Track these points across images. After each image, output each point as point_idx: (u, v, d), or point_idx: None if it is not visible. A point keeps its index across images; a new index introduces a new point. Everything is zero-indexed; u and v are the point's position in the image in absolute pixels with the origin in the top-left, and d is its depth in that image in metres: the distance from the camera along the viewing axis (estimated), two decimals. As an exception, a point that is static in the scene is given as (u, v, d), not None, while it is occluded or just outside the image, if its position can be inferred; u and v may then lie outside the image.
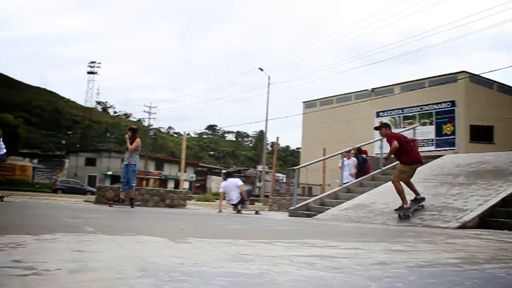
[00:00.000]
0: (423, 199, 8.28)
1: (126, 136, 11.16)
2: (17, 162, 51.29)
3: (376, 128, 9.30)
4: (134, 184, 11.07)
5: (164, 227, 5.22)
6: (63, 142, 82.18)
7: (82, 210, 8.31)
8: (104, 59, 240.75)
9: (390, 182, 10.40)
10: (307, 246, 3.73)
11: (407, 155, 8.20)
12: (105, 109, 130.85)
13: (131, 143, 10.98)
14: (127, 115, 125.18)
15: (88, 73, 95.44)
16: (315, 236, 4.93)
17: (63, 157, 65.82)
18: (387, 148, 9.30)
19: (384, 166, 8.84)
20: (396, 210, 8.13)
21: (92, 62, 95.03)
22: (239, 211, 11.75)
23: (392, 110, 22.85)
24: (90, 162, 61.66)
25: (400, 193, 8.07)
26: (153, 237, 3.55)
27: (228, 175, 13.11)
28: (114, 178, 57.73)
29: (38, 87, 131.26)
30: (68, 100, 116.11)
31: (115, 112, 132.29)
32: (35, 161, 60.78)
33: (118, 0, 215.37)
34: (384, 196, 9.72)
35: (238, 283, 1.97)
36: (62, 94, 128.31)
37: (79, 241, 3.04)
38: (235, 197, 11.91)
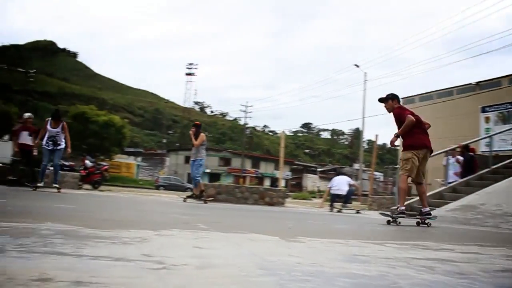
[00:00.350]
0: (429, 214, 6.83)
1: (191, 132, 11.32)
2: (123, 160, 54.51)
3: (381, 100, 7.24)
4: (199, 178, 11.18)
5: (271, 225, 5.28)
6: (164, 141, 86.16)
7: (186, 207, 8.64)
8: (201, 61, 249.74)
9: (501, 183, 9.79)
10: (421, 248, 3.60)
11: (412, 137, 6.71)
12: (202, 108, 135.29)
13: (196, 139, 11.07)
14: (223, 114, 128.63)
15: (186, 74, 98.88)
16: (425, 238, 4.75)
17: (164, 155, 68.81)
18: (493, 145, 8.48)
19: (392, 146, 6.99)
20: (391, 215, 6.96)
21: (189, 64, 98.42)
22: (339, 210, 11.70)
23: (500, 104, 21.46)
24: (189, 160, 63.76)
25: (401, 191, 6.90)
26: (264, 236, 3.60)
27: (340, 172, 13.57)
28: (212, 176, 59.49)
29: (140, 89, 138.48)
30: (168, 101, 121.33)
31: (212, 112, 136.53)
32: (139, 159, 64.15)
33: (214, 3, 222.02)
34: (494, 197, 9.15)
35: (360, 285, 1.95)
36: (162, 96, 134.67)
37: (195, 238, 3.16)
38: (344, 191, 12.06)
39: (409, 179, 6.86)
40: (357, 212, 11.73)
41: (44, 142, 10.14)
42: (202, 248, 2.67)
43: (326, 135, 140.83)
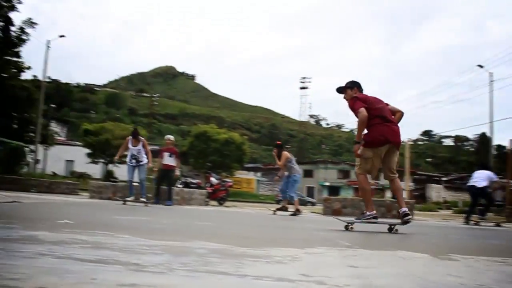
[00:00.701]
0: (408, 214, 5.62)
1: (273, 153, 11.52)
2: (243, 176, 56.10)
3: (338, 91, 6.16)
4: (292, 195, 11.27)
5: (413, 241, 5.07)
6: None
7: (316, 222, 8.62)
8: (315, 73, 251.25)
9: None
10: None
11: (371, 131, 5.64)
12: (318, 121, 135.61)
13: (279, 159, 11.20)
14: (339, 126, 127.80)
15: (301, 88, 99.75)
16: None
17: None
18: None
19: (357, 156, 5.70)
20: (354, 219, 5.89)
21: (303, 78, 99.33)
22: (476, 223, 10.96)
23: None
24: (307, 173, 63.77)
25: (364, 192, 5.86)
26: (413, 253, 3.43)
27: (483, 164, 12.85)
28: (332, 189, 59.09)
29: (255, 106, 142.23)
30: (283, 116, 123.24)
31: (327, 124, 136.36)
32: (258, 174, 65.54)
33: (324, 15, 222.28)
34: None
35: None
36: (277, 111, 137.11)
37: (344, 256, 3.10)
38: (482, 184, 11.30)
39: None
40: (497, 225, 10.86)
41: (128, 160, 11.02)
42: (357, 267, 2.60)
43: (448, 142, 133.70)
